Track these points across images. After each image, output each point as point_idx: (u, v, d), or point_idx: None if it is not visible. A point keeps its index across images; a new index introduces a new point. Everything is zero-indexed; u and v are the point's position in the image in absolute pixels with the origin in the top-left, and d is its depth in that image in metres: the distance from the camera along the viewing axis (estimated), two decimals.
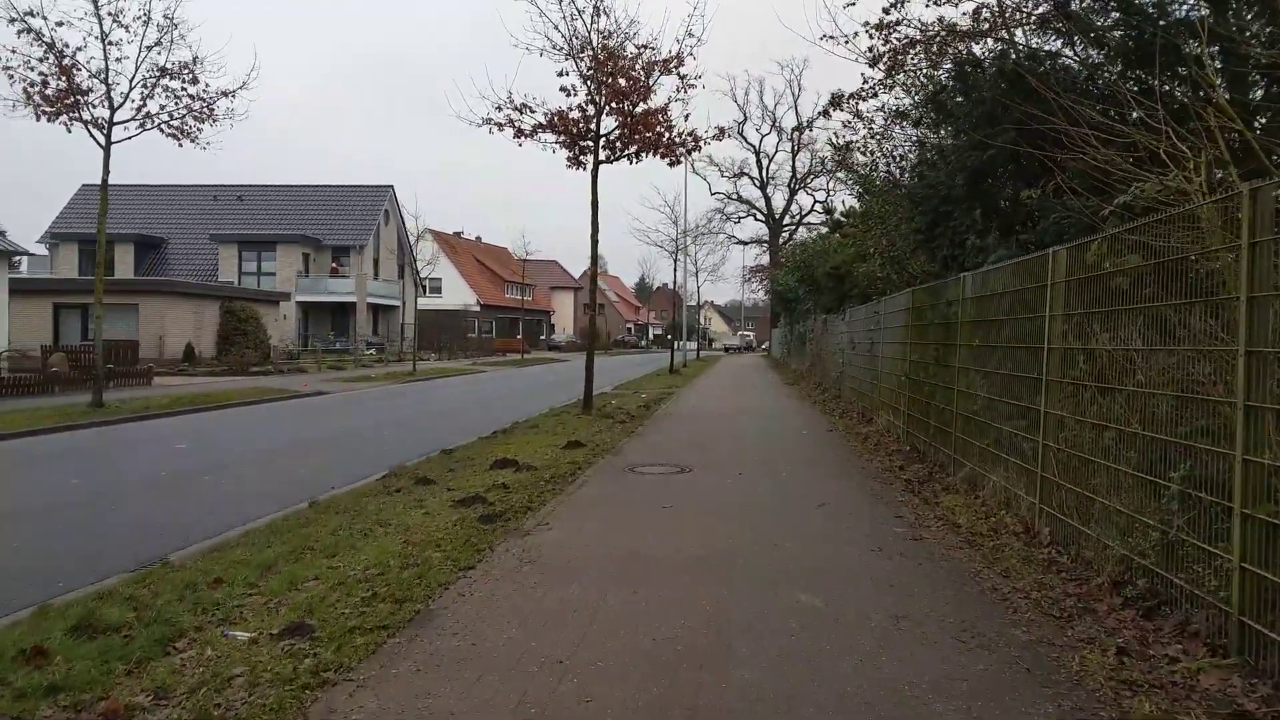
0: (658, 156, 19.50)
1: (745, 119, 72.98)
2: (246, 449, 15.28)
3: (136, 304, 36.78)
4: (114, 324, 37.03)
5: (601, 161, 19.32)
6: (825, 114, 14.63)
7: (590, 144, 19.27)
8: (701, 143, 19.56)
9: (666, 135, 19.21)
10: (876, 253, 16.80)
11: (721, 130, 19.80)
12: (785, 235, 71.05)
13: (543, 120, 18.85)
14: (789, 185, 73.26)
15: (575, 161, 19.89)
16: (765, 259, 72.81)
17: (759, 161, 73.40)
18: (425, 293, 74.15)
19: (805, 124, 16.84)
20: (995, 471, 9.14)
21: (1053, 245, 8.14)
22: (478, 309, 78.15)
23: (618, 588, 6.23)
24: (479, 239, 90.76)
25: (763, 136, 73.79)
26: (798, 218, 72.57)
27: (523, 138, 19.17)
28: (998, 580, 6.54)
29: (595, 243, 19.35)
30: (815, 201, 71.42)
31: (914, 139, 14.84)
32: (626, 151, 19.39)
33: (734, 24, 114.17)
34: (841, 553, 7.38)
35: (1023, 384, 8.44)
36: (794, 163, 72.26)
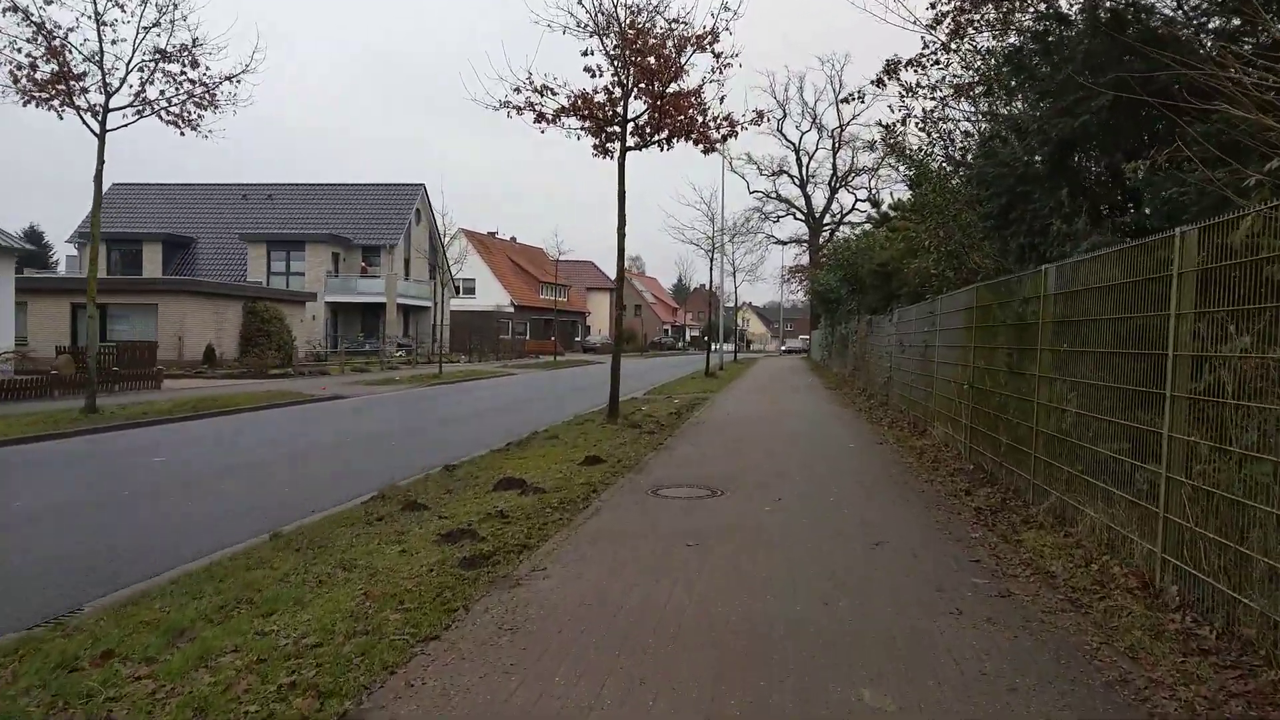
0: (691, 143, 17.95)
1: (785, 115, 71.33)
2: (231, 462, 13.91)
3: (156, 304, 35.84)
4: (132, 325, 36.27)
5: (630, 148, 17.81)
6: (879, 83, 12.99)
7: (617, 129, 17.77)
8: (739, 127, 17.98)
9: (700, 119, 17.66)
10: (932, 246, 15.12)
11: (760, 114, 18.19)
12: (825, 235, 69.25)
13: (565, 104, 17.37)
14: (829, 183, 71.57)
15: (602, 149, 18.41)
16: (805, 259, 71.04)
17: (799, 159, 71.71)
18: (459, 294, 73.30)
19: (855, 95, 15.18)
20: (1092, 505, 7.50)
21: (1164, 228, 6.50)
22: (511, 310, 76.98)
23: (617, 678, 4.68)
24: (514, 239, 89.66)
25: (803, 134, 72.36)
26: (839, 217, 70.79)
27: (545, 123, 17.71)
28: (1125, 665, 4.92)
29: (622, 236, 17.83)
30: (857, 200, 69.97)
31: (980, 115, 13.18)
32: (657, 137, 17.87)
33: (776, 16, 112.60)
34: (911, 616, 5.78)
35: (1131, 399, 6.79)
36: (835, 160, 70.61)
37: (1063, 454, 8.36)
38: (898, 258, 21.45)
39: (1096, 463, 7.51)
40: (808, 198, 72.15)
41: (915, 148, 15.74)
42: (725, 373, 41.92)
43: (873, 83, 12.92)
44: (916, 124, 13.87)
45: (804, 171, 71.85)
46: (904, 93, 13.36)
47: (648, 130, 17.69)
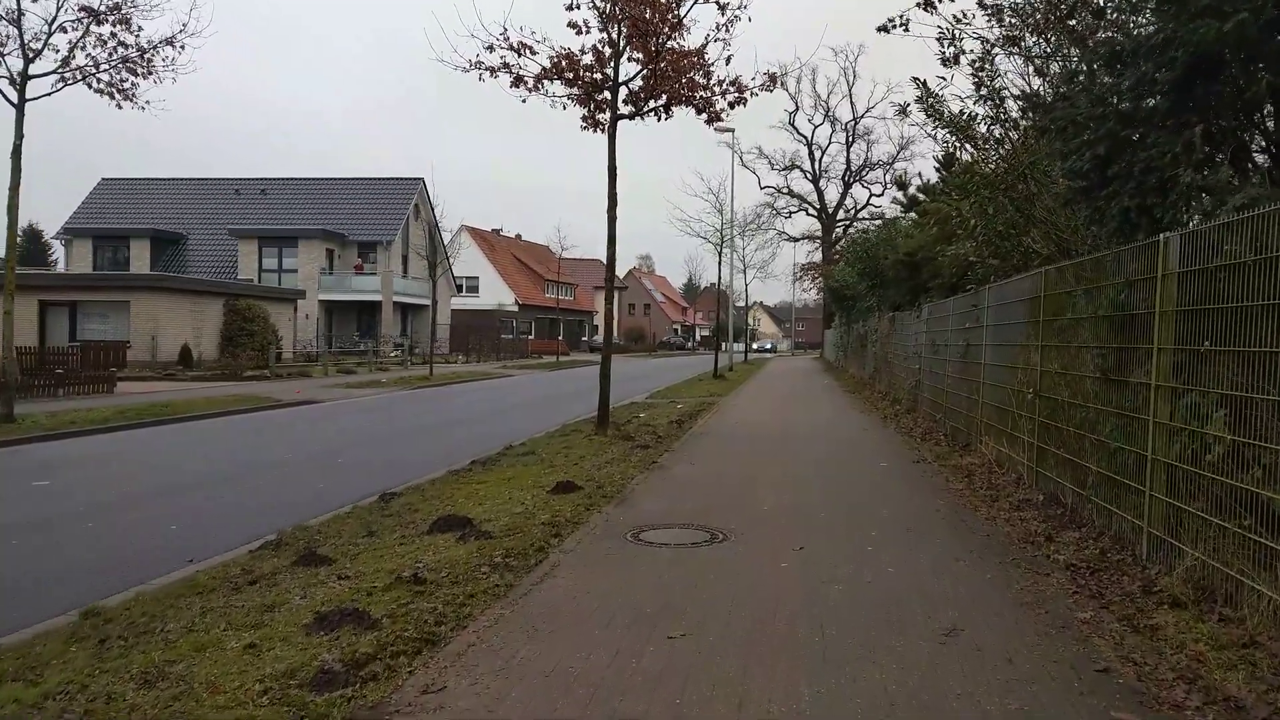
0: (693, 111, 15.53)
1: (797, 108, 68.78)
2: (130, 489, 11.39)
3: (127, 301, 33.60)
4: (109, 323, 34.07)
5: (622, 116, 15.39)
6: (927, 5, 10.49)
7: (608, 96, 15.37)
8: (748, 92, 15.52)
9: (703, 83, 15.24)
10: (981, 225, 12.64)
11: (773, 78, 15.69)
12: (839, 231, 66.75)
13: (547, 64, 14.97)
14: (843, 178, 69.11)
15: (591, 121, 16.00)
16: (817, 256, 68.54)
17: (811, 154, 69.24)
18: (461, 292, 71.06)
19: (894, 22, 12.92)
20: (1270, 580, 5.07)
21: None
22: (515, 309, 74.70)
23: None
24: (519, 236, 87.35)
25: (815, 127, 69.15)
26: (853, 212, 68.27)
27: (524, 89, 15.31)
28: None
29: (613, 219, 15.41)
30: (871, 195, 67.18)
31: (1054, 52, 10.71)
32: (653, 104, 15.45)
33: (788, 5, 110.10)
34: None
35: None
36: (849, 154, 68.12)
37: (1205, 497, 5.93)
38: (928, 245, 18.98)
39: (1274, 515, 5.09)
40: (820, 193, 69.76)
41: (957, 111, 13.26)
42: (735, 374, 39.45)
43: (921, 4, 10.41)
44: (971, 63, 11.35)
45: (817, 166, 69.46)
46: (955, 21, 10.83)
47: (642, 95, 15.27)
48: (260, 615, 5.63)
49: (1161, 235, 6.70)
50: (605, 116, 15.57)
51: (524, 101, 15.68)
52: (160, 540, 8.43)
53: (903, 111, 13.70)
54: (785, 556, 7.13)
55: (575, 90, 15.59)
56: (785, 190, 69.24)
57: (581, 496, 9.58)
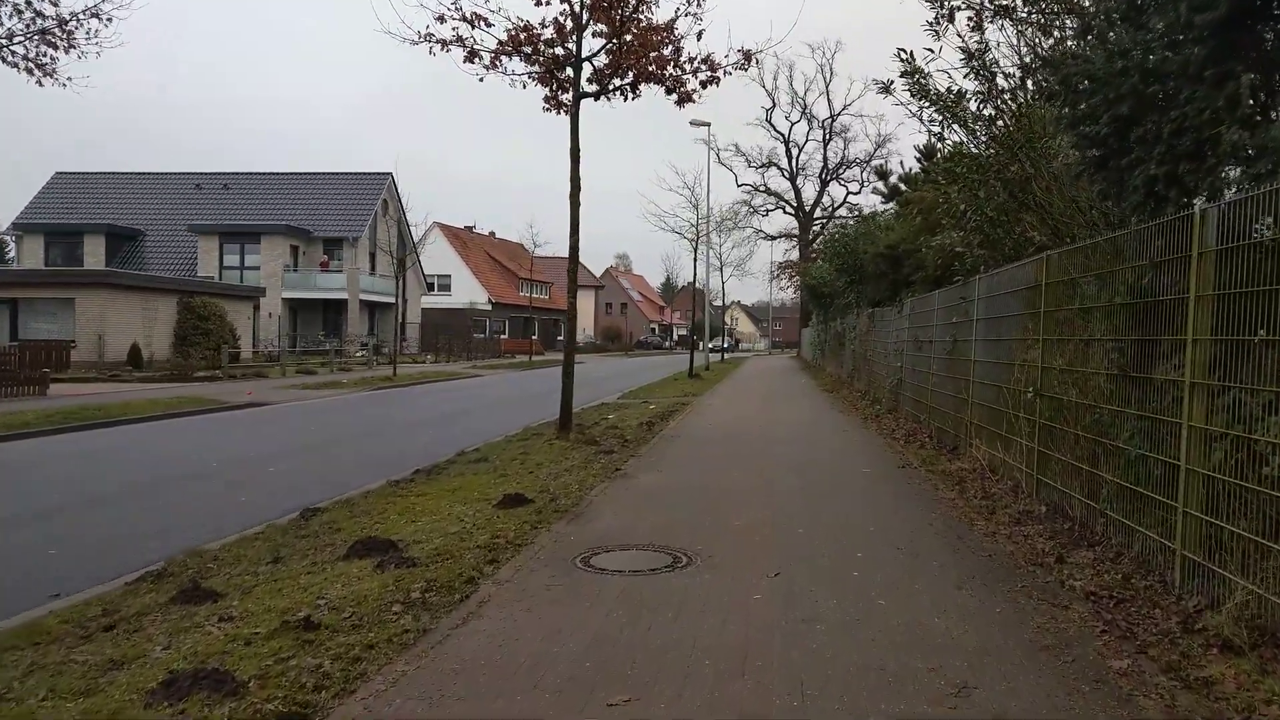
0: (662, 90, 14.46)
1: (774, 105, 67.94)
2: (20, 505, 9.99)
3: (73, 299, 32.10)
4: (57, 322, 32.60)
5: (585, 95, 14.30)
6: None
7: (571, 74, 14.27)
8: (721, 71, 14.46)
9: (673, 60, 14.17)
10: (971, 210, 11.64)
11: (747, 56, 14.61)
12: (816, 229, 65.91)
13: (504, 37, 13.85)
14: (820, 176, 68.33)
15: (554, 101, 14.91)
16: (794, 254, 67.69)
17: (788, 151, 68.43)
18: (433, 290, 69.64)
19: None
20: None
21: None
22: (489, 308, 73.33)
23: None
24: (492, 234, 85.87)
25: (792, 124, 68.30)
26: (830, 210, 67.39)
27: (480, 66, 14.20)
28: None
29: (575, 205, 14.29)
30: (848, 193, 66.35)
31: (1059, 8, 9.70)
32: (618, 82, 14.37)
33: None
34: None
35: None
36: (825, 152, 67.31)
37: (1257, 517, 4.92)
38: (911, 237, 18.00)
39: None
40: (797, 190, 68.99)
41: (945, 90, 12.24)
42: (711, 374, 38.42)
43: None
44: (968, 20, 10.33)
45: (794, 163, 68.71)
46: None
47: (607, 73, 14.18)
48: (99, 676, 4.51)
49: (1196, 207, 5.70)
50: (569, 97, 14.48)
51: (481, 80, 14.51)
52: (31, 569, 7.25)
53: (885, 89, 12.65)
54: (758, 585, 6.07)
55: (536, 68, 14.50)
56: (762, 188, 68.46)
57: (530, 511, 8.48)
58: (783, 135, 68.08)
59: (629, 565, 6.63)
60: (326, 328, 53.35)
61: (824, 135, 67.15)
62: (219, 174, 57.18)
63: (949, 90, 11.93)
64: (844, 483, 10.53)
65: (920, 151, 21.50)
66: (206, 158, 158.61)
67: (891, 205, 23.36)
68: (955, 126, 12.35)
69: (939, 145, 13.97)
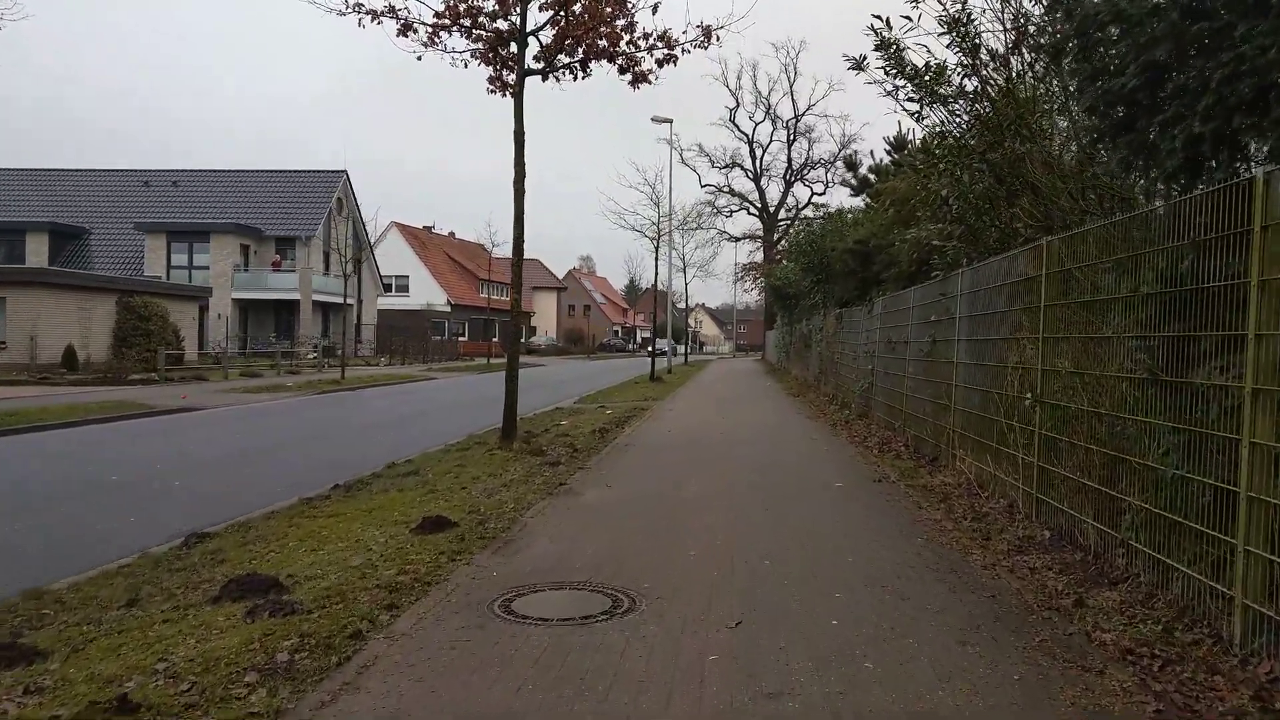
0: (614, 67, 13.28)
1: (738, 105, 67.61)
2: None
3: (4, 298, 30.33)
4: None
5: (531, 72, 13.08)
6: None
7: (515, 51, 13.04)
8: (679, 48, 13.30)
9: (625, 34, 12.99)
10: (954, 196, 10.57)
11: (707, 32, 13.43)
12: (780, 230, 65.04)
13: (441, 8, 12.60)
14: (784, 177, 67.47)
15: (498, 83, 13.66)
16: (759, 256, 66.69)
17: (752, 151, 67.51)
18: (391, 291, 67.94)
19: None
20: None
21: None
22: (448, 309, 71.72)
23: None
24: (452, 234, 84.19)
25: (756, 125, 67.42)
26: (794, 211, 66.49)
27: (416, 41, 12.96)
28: None
29: (520, 193, 13.05)
30: (813, 194, 65.49)
31: None
32: (567, 60, 13.17)
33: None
34: None
35: None
36: (790, 153, 66.47)
37: None
38: (882, 231, 16.94)
39: None
40: (762, 191, 68.04)
41: (923, 65, 11.16)
42: (673, 377, 37.27)
43: None
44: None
45: (758, 164, 67.79)
46: None
47: (554, 49, 12.97)
48: None
49: (1256, 170, 4.59)
50: (514, 77, 13.25)
51: (419, 59, 13.37)
52: None
53: (858, 66, 11.53)
54: (715, 641, 4.88)
55: (478, 45, 13.27)
56: (726, 189, 67.48)
57: (452, 538, 7.24)
58: (746, 136, 67.25)
59: (558, 611, 5.42)
60: (279, 329, 51.59)
61: (788, 135, 66.34)
62: (168, 171, 55.27)
63: (928, 65, 10.84)
64: (815, 499, 9.38)
65: (890, 143, 20.52)
66: (161, 156, 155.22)
67: (861, 198, 22.31)
68: (934, 107, 11.26)
69: (914, 131, 12.95)
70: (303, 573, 6.23)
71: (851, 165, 22.65)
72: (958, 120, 10.99)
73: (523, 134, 12.94)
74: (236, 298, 49.20)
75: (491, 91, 13.82)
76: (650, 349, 36.50)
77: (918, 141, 12.90)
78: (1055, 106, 10.18)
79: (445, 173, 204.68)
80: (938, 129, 11.22)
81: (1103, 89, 5.62)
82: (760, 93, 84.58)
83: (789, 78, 68.05)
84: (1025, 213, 9.66)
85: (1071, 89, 9.08)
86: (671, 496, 9.38)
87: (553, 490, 9.65)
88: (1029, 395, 7.84)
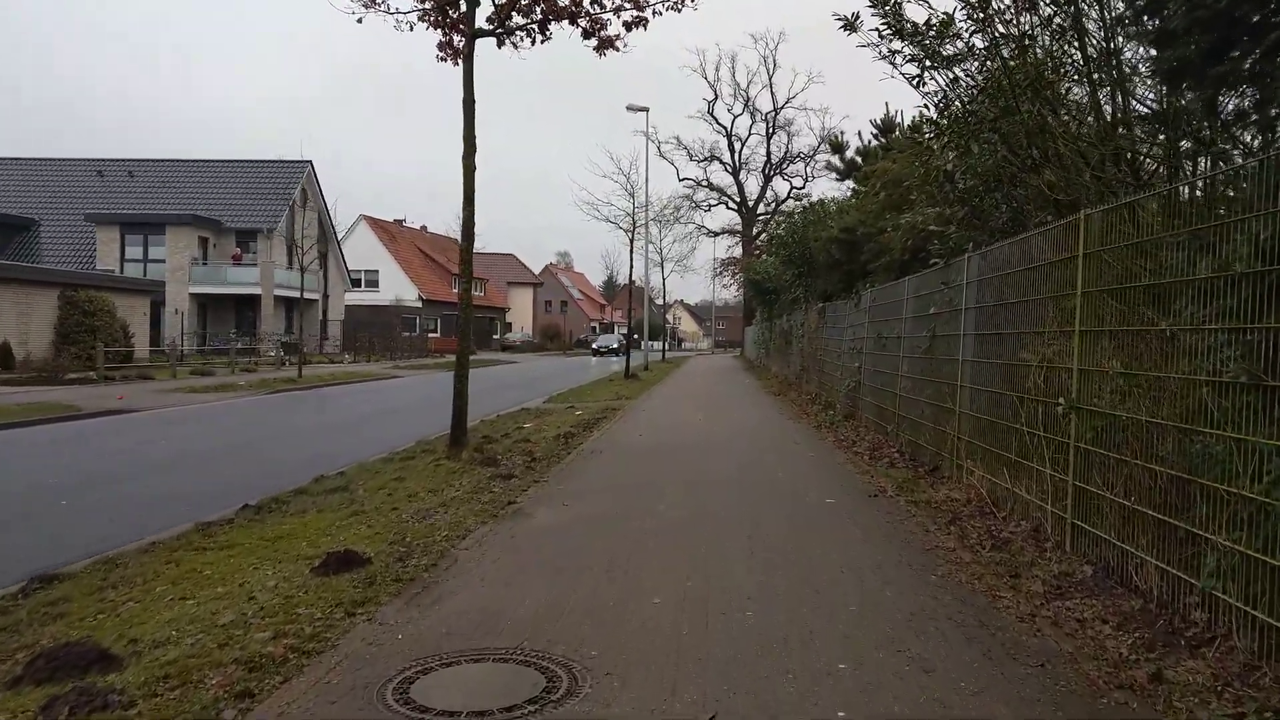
0: (577, 31, 11.91)
1: (716, 97, 65.97)
2: None
3: None
4: None
5: (482, 33, 11.67)
6: None
7: (465, 8, 11.63)
8: (649, 10, 11.93)
9: None
10: (961, 173, 9.24)
11: None
12: (760, 224, 63.83)
13: None
14: (763, 171, 66.26)
15: (448, 49, 12.29)
16: (738, 251, 65.43)
17: (731, 145, 66.29)
18: (360, 286, 66.20)
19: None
20: None
21: None
22: (419, 305, 70.02)
23: None
24: (424, 228, 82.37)
25: (735, 117, 66.11)
26: (773, 205, 65.26)
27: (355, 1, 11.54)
28: None
29: (470, 169, 11.60)
30: (792, 188, 64.22)
31: None
32: (524, 21, 11.77)
33: None
34: None
35: None
36: (769, 146, 65.29)
37: None
38: (871, 218, 15.62)
39: None
40: (740, 185, 66.83)
41: (925, 21, 9.83)
42: (649, 374, 35.88)
43: None
44: None
45: (736, 158, 66.57)
46: None
47: (508, 6, 11.56)
48: None
49: None
50: (463, 40, 11.84)
51: (359, 21, 11.84)
52: None
53: (850, 26, 10.20)
54: None
55: (425, 4, 11.86)
56: (704, 183, 66.25)
57: (359, 581, 5.83)
58: (725, 129, 66.04)
59: (471, 697, 4.05)
60: (240, 325, 49.83)
61: (767, 129, 65.18)
62: (123, 160, 53.22)
63: (929, 21, 9.51)
64: (805, 522, 8.03)
65: (877, 126, 19.23)
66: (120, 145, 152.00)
67: (848, 183, 20.99)
68: (937, 71, 9.93)
69: (903, 114, 11.61)
70: (150, 636, 4.82)
71: (837, 147, 21.30)
72: (964, 85, 9.68)
73: (473, 103, 11.52)
74: (194, 292, 47.34)
75: (442, 59, 12.43)
76: (628, 345, 35.02)
77: (907, 124, 11.54)
78: (1074, 70, 8.88)
79: (426, 174, 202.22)
80: (940, 97, 9.91)
81: (1188, 6, 4.28)
82: (739, 85, 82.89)
83: (768, 70, 66.58)
84: (1049, 185, 8.36)
85: (1098, 42, 7.79)
86: (637, 520, 8.01)
87: (499, 511, 8.26)
88: (1060, 400, 6.52)
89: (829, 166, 21.11)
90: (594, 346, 59.90)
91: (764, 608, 5.38)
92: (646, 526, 7.71)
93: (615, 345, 52.92)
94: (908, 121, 11.22)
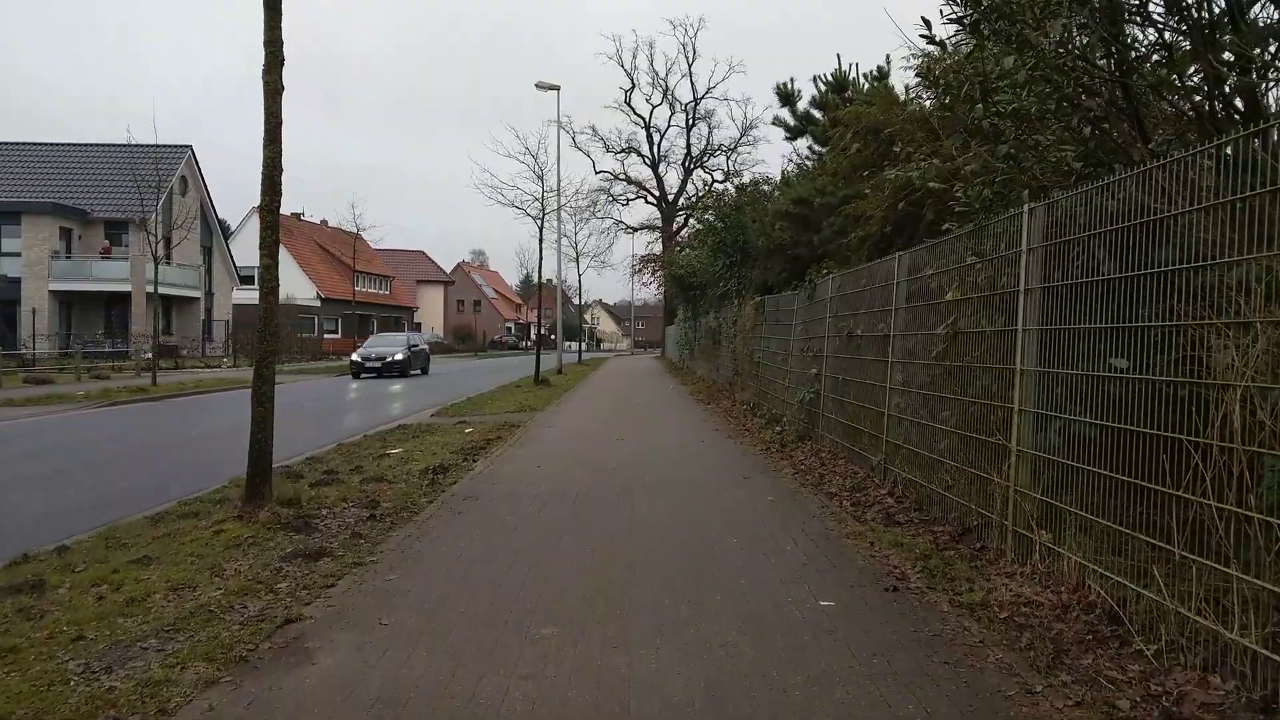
0: None
1: (634, 86, 62.76)
2: None
3: None
4: None
5: None
6: None
7: None
8: None
9: None
10: (1026, 71, 5.97)
11: None
12: (681, 217, 60.82)
13: None
14: (683, 164, 63.31)
15: None
16: (658, 247, 62.23)
17: (649, 136, 63.32)
18: (251, 283, 61.10)
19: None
20: None
21: None
22: (317, 303, 65.20)
23: None
24: (324, 222, 77.18)
25: (653, 108, 62.98)
26: (694, 200, 62.23)
27: None
28: None
29: (274, 90, 7.91)
30: (713, 181, 61.17)
31: None
32: None
33: None
34: None
35: None
36: (689, 138, 62.37)
37: None
38: (831, 186, 12.29)
39: None
40: (660, 179, 63.84)
41: None
42: (563, 378, 32.24)
43: None
44: None
45: (655, 150, 63.60)
46: None
47: None
48: None
49: None
50: None
51: None
52: None
53: None
54: None
55: None
56: (622, 176, 63.09)
57: None
58: (643, 119, 62.89)
59: None
60: (109, 326, 44.78)
61: (687, 120, 62.33)
62: None
63: None
64: (798, 663, 4.56)
65: (828, 82, 16.01)
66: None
67: (803, 141, 17.72)
68: None
69: (857, 66, 8.28)
70: None
71: (787, 98, 17.93)
72: None
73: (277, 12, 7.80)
74: (56, 289, 42.28)
75: None
76: (538, 347, 31.34)
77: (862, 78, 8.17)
78: None
79: (327, 165, 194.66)
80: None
81: None
82: (658, 74, 79.61)
83: (688, 58, 63.47)
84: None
85: None
86: (495, 674, 4.44)
87: (259, 645, 4.64)
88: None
89: (777, 121, 17.93)
90: (353, 358, 38.26)
91: None
92: (519, 673, 4.16)
93: (400, 356, 35.86)
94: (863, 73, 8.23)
